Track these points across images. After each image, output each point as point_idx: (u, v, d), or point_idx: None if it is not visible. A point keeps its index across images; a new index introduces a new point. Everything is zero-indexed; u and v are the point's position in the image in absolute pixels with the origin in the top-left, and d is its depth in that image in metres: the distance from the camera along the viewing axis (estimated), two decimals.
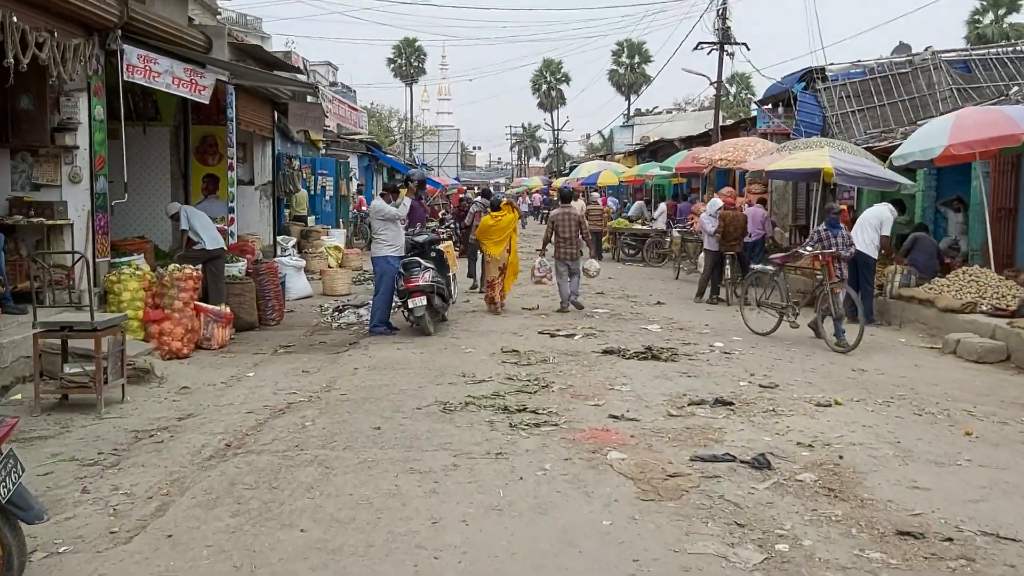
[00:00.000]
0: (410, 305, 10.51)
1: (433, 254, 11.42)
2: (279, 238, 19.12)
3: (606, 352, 9.59)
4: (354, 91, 71.86)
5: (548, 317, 12.42)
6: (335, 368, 8.97)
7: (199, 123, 12.60)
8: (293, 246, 19.24)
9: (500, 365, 8.94)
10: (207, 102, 10.06)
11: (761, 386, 8.03)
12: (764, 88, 24.04)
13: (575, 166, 57.18)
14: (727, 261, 14.08)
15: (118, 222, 12.39)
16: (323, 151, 27.35)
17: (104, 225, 9.97)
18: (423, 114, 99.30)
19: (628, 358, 9.29)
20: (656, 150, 35.79)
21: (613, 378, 8.32)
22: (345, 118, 10.87)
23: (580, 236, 13.14)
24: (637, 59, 75.95)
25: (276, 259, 15.05)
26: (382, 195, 11.35)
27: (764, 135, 21.56)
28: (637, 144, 43.07)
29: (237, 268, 11.98)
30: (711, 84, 24.08)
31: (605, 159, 42.11)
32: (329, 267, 17.86)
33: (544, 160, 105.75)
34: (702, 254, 16.48)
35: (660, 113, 54.48)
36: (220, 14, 24.70)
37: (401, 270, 10.67)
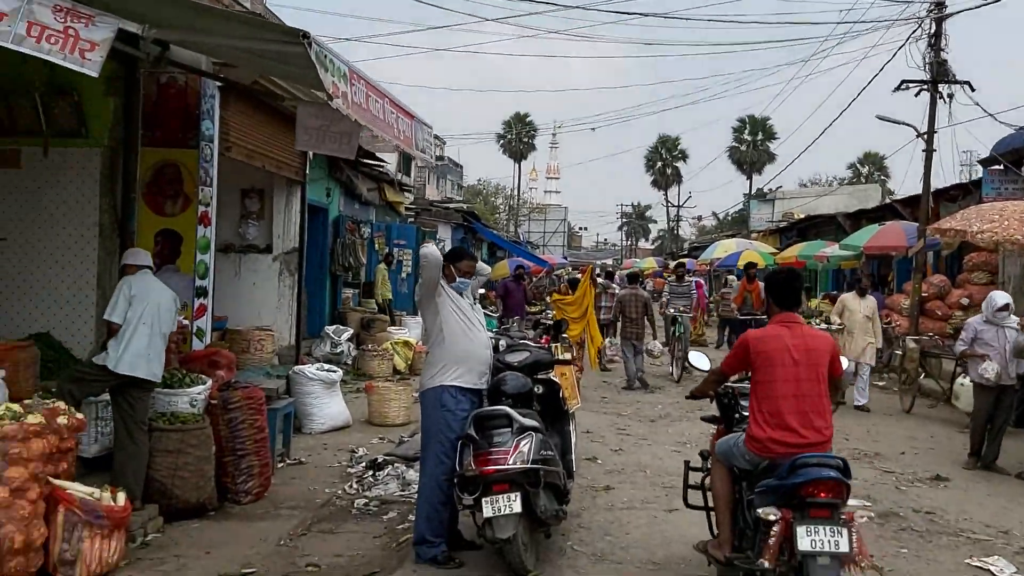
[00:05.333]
0: (487, 512, 4.85)
1: (540, 390, 5.78)
2: (330, 328, 13.99)
3: None
4: (461, 166, 69.04)
5: None
6: None
7: (154, 144, 7.47)
8: (349, 339, 14.06)
9: None
10: (95, 74, 4.87)
11: None
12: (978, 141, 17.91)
13: (696, 247, 51.48)
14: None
15: (9, 304, 7.34)
16: (410, 220, 22.50)
17: None
18: (530, 192, 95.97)
19: None
20: (806, 228, 30.06)
21: None
22: (384, 123, 5.46)
23: (646, 318, 13.51)
24: (760, 136, 70.75)
25: (296, 370, 9.72)
26: (446, 265, 5.72)
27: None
28: (781, 220, 37.10)
29: (189, 398, 6.62)
30: (919, 136, 17.99)
31: (735, 238, 36.34)
32: (390, 378, 12.41)
33: (654, 242, 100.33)
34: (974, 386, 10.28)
35: (781, 190, 48.28)
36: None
37: (472, 432, 5.07)
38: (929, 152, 17.31)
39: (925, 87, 17.09)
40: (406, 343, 14.61)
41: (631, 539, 5.85)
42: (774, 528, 4.08)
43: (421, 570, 5.15)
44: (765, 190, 55.82)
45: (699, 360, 5.72)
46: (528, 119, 76.40)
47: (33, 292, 7.32)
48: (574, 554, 5.50)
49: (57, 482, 5.07)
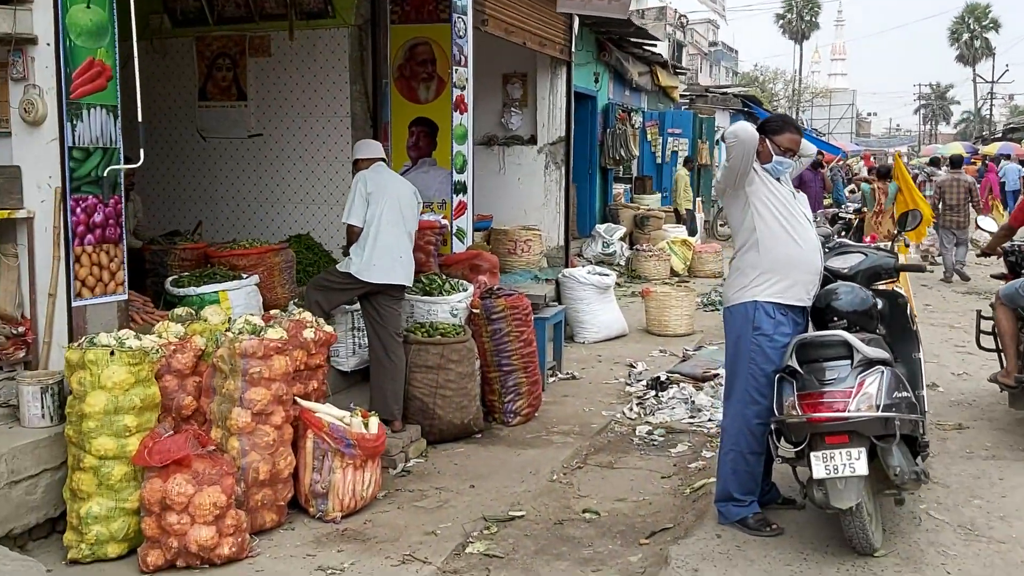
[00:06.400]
0: (817, 472, 3.61)
1: (881, 305, 4.33)
2: (601, 227, 13.07)
3: None
4: (735, 51, 64.74)
5: None
6: None
7: (404, 20, 6.66)
8: (621, 239, 13.08)
9: None
10: None
11: None
12: None
13: (1014, 128, 44.83)
14: None
15: (268, 205, 7.01)
16: (684, 107, 20.80)
17: (105, 221, 4.38)
18: (812, 76, 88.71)
19: None
20: None
21: None
22: None
23: (970, 204, 12.54)
24: None
25: (566, 274, 8.85)
26: (762, 140, 4.07)
27: None
28: None
29: (449, 306, 5.90)
30: None
31: None
32: (668, 280, 11.22)
33: (956, 126, 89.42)
34: None
35: None
36: None
37: (793, 363, 3.80)
38: None
39: None
40: (684, 242, 13.36)
41: (1010, 505, 4.32)
42: None
43: (726, 534, 4.03)
44: None
45: (987, 223, 6.44)
46: None
47: (291, 191, 6.94)
48: (933, 524, 4.09)
49: (305, 404, 4.51)
